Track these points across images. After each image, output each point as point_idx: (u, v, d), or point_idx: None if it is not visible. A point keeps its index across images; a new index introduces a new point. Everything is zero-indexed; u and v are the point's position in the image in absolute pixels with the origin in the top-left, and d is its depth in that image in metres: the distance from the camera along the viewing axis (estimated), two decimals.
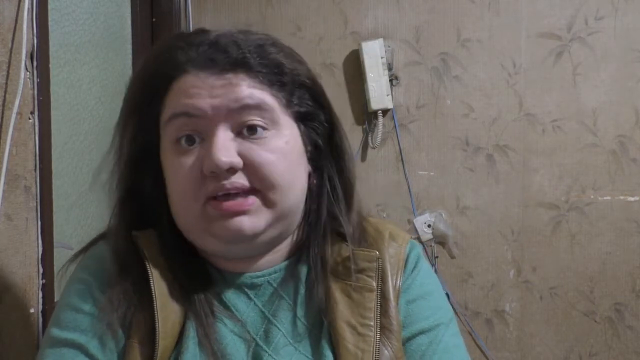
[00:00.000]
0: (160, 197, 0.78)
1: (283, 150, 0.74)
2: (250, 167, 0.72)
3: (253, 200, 0.73)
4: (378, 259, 0.79)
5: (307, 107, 0.79)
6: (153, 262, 0.75)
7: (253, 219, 0.73)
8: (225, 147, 0.71)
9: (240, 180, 0.72)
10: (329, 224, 0.82)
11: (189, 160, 0.73)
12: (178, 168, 0.73)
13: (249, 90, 0.73)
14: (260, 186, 0.73)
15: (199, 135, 0.73)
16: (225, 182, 0.71)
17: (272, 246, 0.80)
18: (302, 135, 0.78)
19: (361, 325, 0.75)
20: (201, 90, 0.73)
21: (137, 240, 0.77)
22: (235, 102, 0.72)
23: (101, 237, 0.84)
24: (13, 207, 1.01)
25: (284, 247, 0.81)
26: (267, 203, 0.74)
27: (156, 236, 0.79)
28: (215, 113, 0.72)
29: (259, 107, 0.73)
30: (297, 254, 0.82)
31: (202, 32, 0.78)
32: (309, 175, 0.81)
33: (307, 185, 0.80)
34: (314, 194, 0.81)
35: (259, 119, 0.73)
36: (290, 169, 0.75)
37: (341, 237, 0.81)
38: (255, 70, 0.74)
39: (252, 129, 0.73)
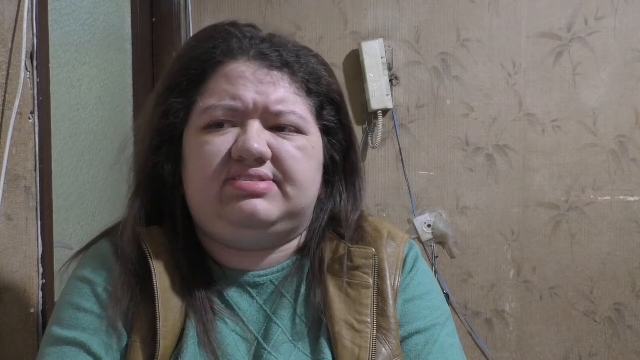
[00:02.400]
0: (177, 183, 0.79)
1: (308, 152, 0.77)
2: (277, 159, 0.75)
3: (270, 185, 0.74)
4: (374, 255, 0.80)
5: (333, 123, 0.82)
6: (157, 259, 0.76)
7: (267, 204, 0.74)
8: (259, 136, 0.74)
9: (264, 170, 0.74)
10: (329, 225, 0.83)
11: (218, 140, 0.74)
12: (205, 145, 0.74)
13: (290, 95, 0.76)
14: (282, 178, 0.75)
15: (232, 121, 0.75)
16: (250, 169, 0.73)
17: (280, 244, 0.80)
18: (324, 148, 0.81)
19: (358, 322, 0.76)
20: (247, 82, 0.75)
21: (142, 237, 0.77)
22: (275, 104, 0.75)
23: (103, 235, 0.84)
24: (13, 207, 1.01)
25: (289, 248, 0.82)
26: (284, 194, 0.75)
27: (160, 233, 0.79)
28: (255, 109, 0.75)
29: (294, 113, 0.76)
30: (299, 254, 0.83)
31: (253, 27, 0.81)
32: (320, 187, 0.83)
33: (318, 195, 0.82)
34: (322, 204, 0.83)
35: (291, 124, 0.76)
36: (311, 171, 0.78)
37: (339, 235, 0.82)
38: (298, 75, 0.78)
39: (283, 127, 0.76)
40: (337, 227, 0.83)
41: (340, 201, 0.84)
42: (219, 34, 0.78)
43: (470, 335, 1.99)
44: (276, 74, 0.76)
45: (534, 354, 1.98)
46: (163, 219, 0.81)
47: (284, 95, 0.76)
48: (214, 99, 0.75)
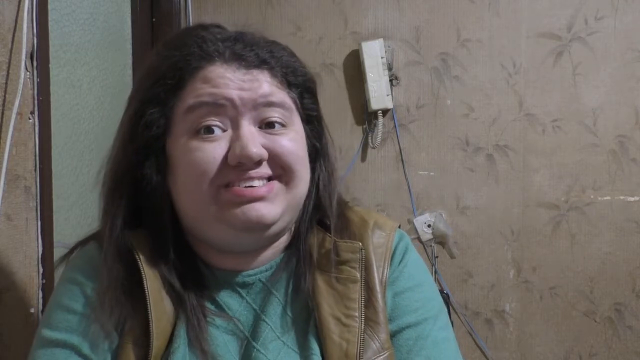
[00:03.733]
0: (163, 191, 0.77)
1: (298, 142, 0.78)
2: (274, 157, 0.75)
3: (271, 186, 0.74)
4: (361, 249, 0.79)
5: (312, 110, 0.82)
6: (146, 262, 0.75)
7: (271, 205, 0.74)
8: (254, 138, 0.73)
9: (263, 170, 0.74)
10: (314, 216, 0.83)
11: (210, 146, 0.73)
12: (196, 152, 0.73)
13: (274, 88, 0.76)
14: (282, 172, 0.75)
15: (220, 126, 0.74)
16: (250, 172, 0.73)
17: (273, 241, 0.80)
18: (306, 137, 0.81)
19: (345, 316, 0.75)
20: (229, 82, 0.74)
21: (130, 240, 0.77)
22: (262, 98, 0.75)
23: (91, 237, 0.83)
24: (13, 207, 1.01)
25: (280, 244, 0.82)
26: (287, 187, 0.76)
27: (148, 236, 0.78)
28: (242, 104, 0.74)
29: (282, 106, 0.76)
30: (287, 250, 0.82)
31: (219, 27, 0.80)
32: None
33: None
34: (309, 192, 0.83)
35: (279, 116, 0.76)
36: (304, 161, 0.79)
37: (325, 228, 0.82)
38: (276, 70, 0.77)
39: (271, 124, 0.76)
40: (321, 216, 0.83)
41: (323, 188, 0.84)
42: (191, 39, 0.77)
43: (470, 335, 1.99)
44: (255, 72, 0.76)
45: (534, 354, 1.98)
46: (145, 223, 0.79)
47: (269, 88, 0.76)
48: (193, 96, 0.74)
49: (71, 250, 0.83)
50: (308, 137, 0.82)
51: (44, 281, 1.08)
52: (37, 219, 1.07)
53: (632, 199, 1.94)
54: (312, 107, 0.82)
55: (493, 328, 1.99)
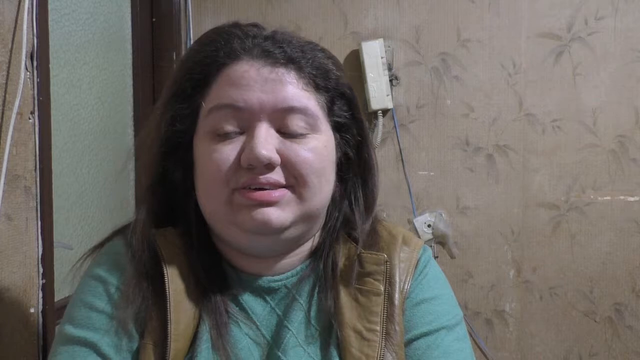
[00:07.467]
0: (189, 188, 0.77)
1: (321, 152, 0.75)
2: (287, 165, 0.73)
3: (283, 193, 0.73)
4: (386, 262, 0.78)
5: (344, 118, 0.80)
6: (170, 262, 0.75)
7: (280, 212, 0.73)
8: (267, 141, 0.72)
9: (275, 176, 0.72)
10: (343, 227, 0.82)
11: (227, 148, 0.73)
12: (213, 153, 0.73)
13: (298, 91, 0.74)
14: (294, 182, 0.73)
15: (239, 127, 0.73)
16: (260, 176, 0.72)
17: (293, 247, 0.79)
18: (336, 145, 0.79)
19: (367, 330, 0.74)
20: (251, 82, 0.73)
21: (155, 239, 0.76)
22: (283, 102, 0.73)
23: (117, 233, 0.83)
24: (13, 207, 1.01)
25: (303, 251, 0.81)
26: (299, 197, 0.74)
27: (175, 234, 0.78)
28: (261, 109, 0.72)
29: (304, 112, 0.74)
30: (312, 258, 0.81)
31: (255, 26, 0.79)
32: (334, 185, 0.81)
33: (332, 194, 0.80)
34: (336, 203, 0.81)
35: (302, 122, 0.74)
36: (324, 172, 0.76)
37: (353, 239, 0.81)
38: (305, 71, 0.75)
39: (293, 132, 0.74)
40: (351, 229, 0.81)
41: (355, 200, 0.81)
42: (220, 36, 0.76)
43: (470, 335, 1.98)
44: (281, 70, 0.73)
45: (534, 354, 1.98)
46: (176, 221, 0.80)
47: (293, 91, 0.73)
48: (216, 100, 0.74)
49: (97, 246, 0.83)
50: (339, 146, 0.79)
51: (44, 281, 1.08)
52: (37, 219, 1.07)
53: (632, 199, 1.94)
54: (343, 114, 0.79)
55: (493, 328, 1.99)
